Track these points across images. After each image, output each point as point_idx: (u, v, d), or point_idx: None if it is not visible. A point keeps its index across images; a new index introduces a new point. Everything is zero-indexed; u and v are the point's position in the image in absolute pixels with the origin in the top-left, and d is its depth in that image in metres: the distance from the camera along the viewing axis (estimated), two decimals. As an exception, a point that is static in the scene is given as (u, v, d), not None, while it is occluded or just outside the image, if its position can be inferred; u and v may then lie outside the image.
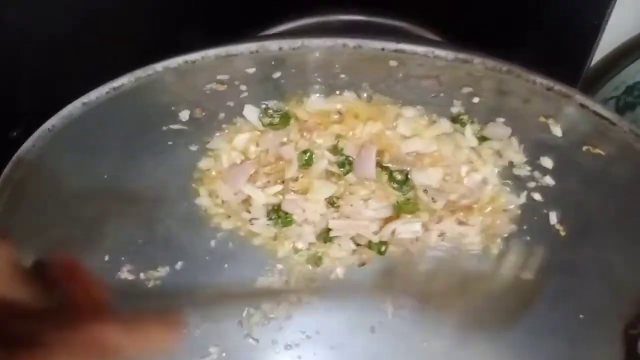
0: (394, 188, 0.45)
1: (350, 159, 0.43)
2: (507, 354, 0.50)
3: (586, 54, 0.49)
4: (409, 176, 0.44)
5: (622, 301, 0.42)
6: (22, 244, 0.38)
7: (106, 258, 0.46)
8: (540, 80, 0.28)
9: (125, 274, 0.48)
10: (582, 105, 0.29)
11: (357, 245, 0.50)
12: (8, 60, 0.45)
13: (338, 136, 0.42)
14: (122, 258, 0.47)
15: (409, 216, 0.46)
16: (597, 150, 0.34)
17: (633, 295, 0.42)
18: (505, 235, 0.48)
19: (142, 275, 0.48)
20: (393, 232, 0.47)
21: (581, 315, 0.45)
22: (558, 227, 0.44)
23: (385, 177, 0.44)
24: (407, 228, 0.47)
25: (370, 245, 0.49)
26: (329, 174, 0.45)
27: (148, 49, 0.36)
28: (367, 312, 0.54)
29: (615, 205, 0.39)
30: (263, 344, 0.55)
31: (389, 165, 0.43)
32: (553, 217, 0.44)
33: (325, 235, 0.49)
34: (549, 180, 0.41)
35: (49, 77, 0.44)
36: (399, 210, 0.47)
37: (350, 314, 0.55)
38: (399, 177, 0.44)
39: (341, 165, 0.44)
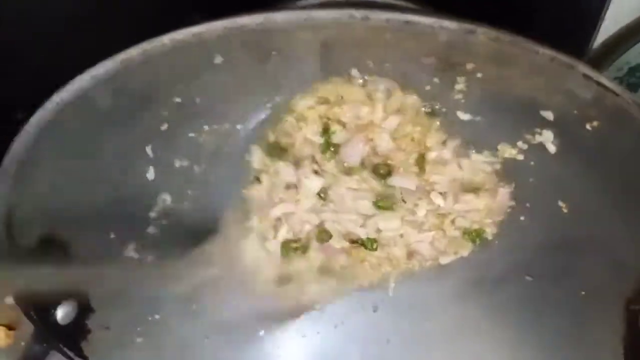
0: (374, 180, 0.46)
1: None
2: (508, 331, 0.51)
3: (589, 35, 0.49)
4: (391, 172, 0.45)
5: (622, 277, 0.42)
6: (28, 221, 0.39)
7: (112, 235, 0.47)
8: (544, 51, 0.28)
9: (131, 252, 0.48)
10: (585, 76, 0.29)
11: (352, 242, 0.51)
12: (10, 41, 0.45)
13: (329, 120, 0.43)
14: (128, 236, 0.48)
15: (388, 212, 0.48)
16: (599, 124, 0.34)
17: (634, 271, 0.42)
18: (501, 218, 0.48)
19: (147, 254, 0.49)
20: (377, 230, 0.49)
21: (583, 292, 0.46)
22: (561, 204, 0.45)
23: (367, 169, 0.45)
24: (388, 225, 0.48)
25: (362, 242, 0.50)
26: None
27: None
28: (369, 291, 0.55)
29: (616, 181, 0.39)
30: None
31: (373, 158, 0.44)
32: (553, 195, 0.45)
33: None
34: (549, 158, 0.42)
35: (52, 58, 0.44)
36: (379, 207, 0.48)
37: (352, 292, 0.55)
38: (381, 170, 0.45)
39: (325, 149, 0.44)
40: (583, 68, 0.29)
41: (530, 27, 0.48)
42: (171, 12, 0.48)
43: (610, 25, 0.54)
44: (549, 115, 0.38)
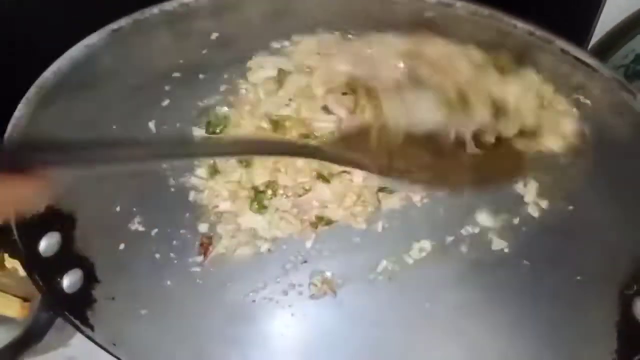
0: None
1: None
2: (506, 314, 0.51)
3: (589, 23, 0.49)
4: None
5: (617, 262, 0.42)
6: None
7: (117, 208, 0.48)
8: (522, 25, 0.29)
9: (135, 225, 0.50)
10: (563, 51, 0.29)
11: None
12: (12, 35, 0.46)
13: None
14: (134, 209, 0.50)
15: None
16: (586, 101, 0.34)
17: (627, 256, 0.42)
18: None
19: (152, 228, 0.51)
20: None
21: (578, 277, 0.46)
22: (557, 190, 0.45)
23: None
24: None
25: None
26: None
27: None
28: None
29: (605, 166, 0.39)
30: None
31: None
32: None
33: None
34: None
35: (50, 45, 0.46)
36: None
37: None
38: None
39: None
40: (561, 43, 0.29)
41: (530, 13, 0.49)
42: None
43: (617, 12, 0.54)
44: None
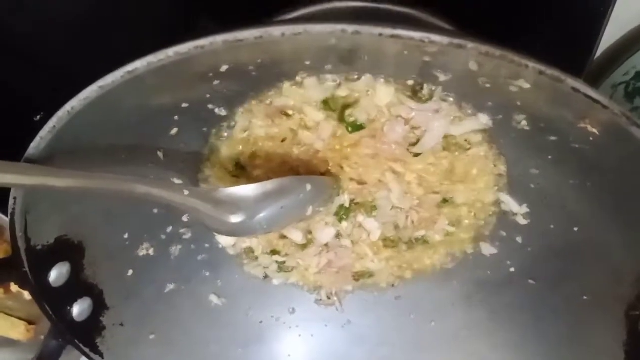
0: None
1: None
2: (512, 334, 0.52)
3: (593, 40, 0.49)
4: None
5: (622, 283, 0.43)
6: (43, 223, 0.41)
7: (125, 236, 0.48)
8: (533, 65, 0.29)
9: (144, 251, 0.50)
10: (574, 89, 0.30)
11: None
12: (30, 46, 0.47)
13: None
14: (145, 235, 0.50)
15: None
16: (594, 135, 0.35)
17: (632, 277, 0.42)
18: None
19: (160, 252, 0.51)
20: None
21: (584, 297, 0.46)
22: (561, 211, 0.46)
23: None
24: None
25: None
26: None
27: (163, 36, 0.38)
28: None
29: (611, 190, 0.39)
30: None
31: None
32: (555, 202, 0.45)
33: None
34: (549, 167, 0.43)
35: (68, 63, 0.46)
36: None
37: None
38: None
39: None
40: (572, 82, 0.29)
41: (535, 33, 0.50)
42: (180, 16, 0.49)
43: (617, 30, 0.55)
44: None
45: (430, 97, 0.41)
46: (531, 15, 0.50)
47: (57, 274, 0.44)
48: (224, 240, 0.53)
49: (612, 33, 0.55)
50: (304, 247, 0.53)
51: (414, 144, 0.45)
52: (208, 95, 0.41)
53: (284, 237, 0.52)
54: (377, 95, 0.41)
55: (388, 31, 0.28)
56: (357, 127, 0.44)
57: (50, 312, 0.44)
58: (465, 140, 0.45)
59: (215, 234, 0.53)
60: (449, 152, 0.46)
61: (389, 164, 0.46)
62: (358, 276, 0.55)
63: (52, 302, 0.44)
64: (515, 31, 0.48)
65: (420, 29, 0.29)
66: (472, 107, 0.42)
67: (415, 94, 0.41)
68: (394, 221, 0.50)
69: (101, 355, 0.47)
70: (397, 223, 0.50)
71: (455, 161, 0.46)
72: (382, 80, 0.40)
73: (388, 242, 0.52)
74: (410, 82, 0.40)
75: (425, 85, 0.40)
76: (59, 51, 0.50)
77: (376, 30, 0.28)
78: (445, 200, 0.49)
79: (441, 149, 0.45)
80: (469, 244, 0.53)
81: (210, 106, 0.43)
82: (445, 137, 0.44)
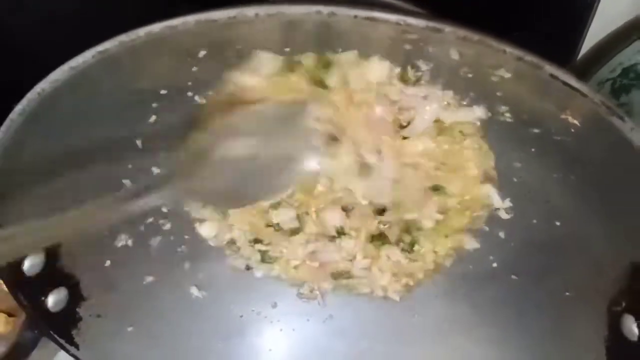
0: None
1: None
2: (494, 328, 0.51)
3: (578, 34, 0.49)
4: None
5: (604, 279, 0.43)
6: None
7: (103, 225, 0.48)
8: (510, 50, 0.29)
9: (122, 241, 0.49)
10: (552, 76, 0.29)
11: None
12: (30, 46, 0.46)
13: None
14: (122, 226, 0.49)
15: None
16: (574, 121, 0.34)
17: (615, 273, 0.42)
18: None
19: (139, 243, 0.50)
20: None
21: (567, 292, 0.46)
22: (544, 205, 0.45)
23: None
24: None
25: None
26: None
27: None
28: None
29: (593, 182, 0.39)
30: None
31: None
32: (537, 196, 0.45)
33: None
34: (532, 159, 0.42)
35: (46, 51, 0.45)
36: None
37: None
38: None
39: None
40: (550, 68, 0.29)
41: (520, 26, 0.50)
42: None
43: (604, 26, 0.55)
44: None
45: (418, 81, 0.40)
46: (513, 10, 0.50)
47: (32, 263, 0.43)
48: (205, 232, 0.53)
49: (598, 30, 0.54)
50: (292, 232, 0.52)
51: (404, 127, 0.44)
52: (189, 83, 0.41)
53: (269, 225, 0.52)
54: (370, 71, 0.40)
55: (363, 13, 0.28)
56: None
57: (25, 302, 0.44)
58: (460, 132, 0.44)
59: (196, 226, 0.52)
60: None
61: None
62: (337, 275, 0.54)
63: (26, 291, 0.44)
64: (497, 26, 0.48)
65: (397, 12, 0.28)
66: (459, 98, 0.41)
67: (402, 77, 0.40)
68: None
69: (77, 346, 0.47)
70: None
71: (450, 150, 0.45)
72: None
73: (376, 238, 0.52)
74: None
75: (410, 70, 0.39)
76: (59, 51, 0.50)
77: (352, 12, 0.28)
78: (436, 188, 0.48)
79: (436, 135, 0.44)
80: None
81: (189, 93, 0.42)
82: (439, 125, 0.44)
